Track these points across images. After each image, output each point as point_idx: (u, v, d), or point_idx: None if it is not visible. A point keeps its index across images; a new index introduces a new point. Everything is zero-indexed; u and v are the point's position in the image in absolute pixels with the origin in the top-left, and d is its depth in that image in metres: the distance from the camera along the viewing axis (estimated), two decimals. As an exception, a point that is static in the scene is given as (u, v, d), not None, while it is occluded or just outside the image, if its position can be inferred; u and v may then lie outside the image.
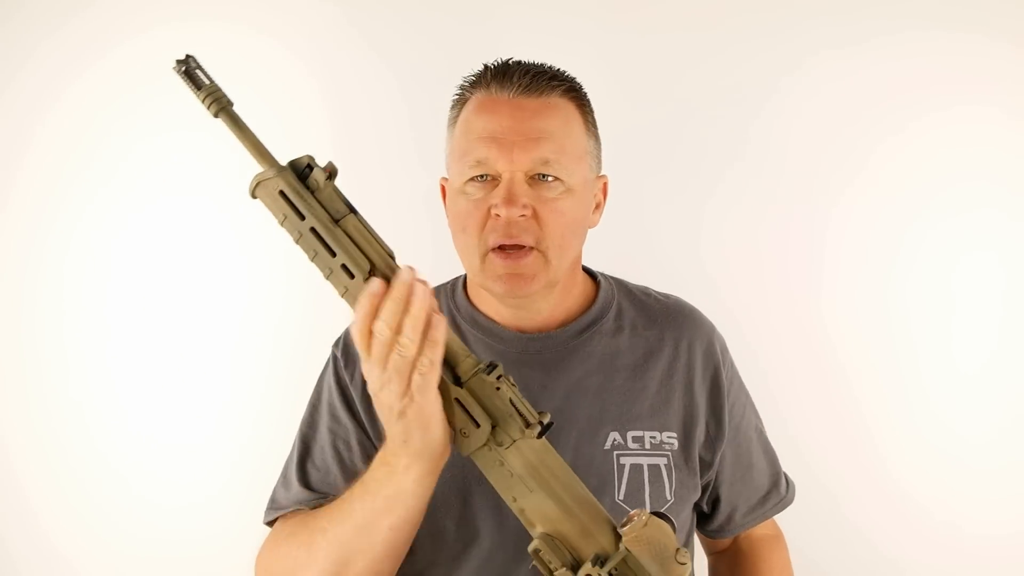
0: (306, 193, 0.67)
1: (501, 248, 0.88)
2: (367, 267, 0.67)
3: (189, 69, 0.67)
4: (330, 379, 1.00)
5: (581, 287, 1.02)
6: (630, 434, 0.95)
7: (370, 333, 0.66)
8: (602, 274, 1.06)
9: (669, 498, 0.94)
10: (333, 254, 0.67)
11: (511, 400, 0.67)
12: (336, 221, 0.67)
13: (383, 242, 0.69)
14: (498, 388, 0.67)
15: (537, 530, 0.69)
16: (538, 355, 0.97)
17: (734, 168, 1.40)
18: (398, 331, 0.65)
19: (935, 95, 1.36)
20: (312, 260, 0.68)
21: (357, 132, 1.40)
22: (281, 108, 1.32)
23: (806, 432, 1.38)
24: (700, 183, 1.41)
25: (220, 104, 0.68)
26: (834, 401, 1.43)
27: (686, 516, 1.00)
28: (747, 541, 1.11)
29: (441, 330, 0.67)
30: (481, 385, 0.67)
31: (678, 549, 0.69)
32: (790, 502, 1.10)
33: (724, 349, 1.05)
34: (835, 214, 1.40)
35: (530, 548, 0.69)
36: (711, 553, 1.17)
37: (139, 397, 1.44)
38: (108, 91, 1.38)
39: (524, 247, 0.88)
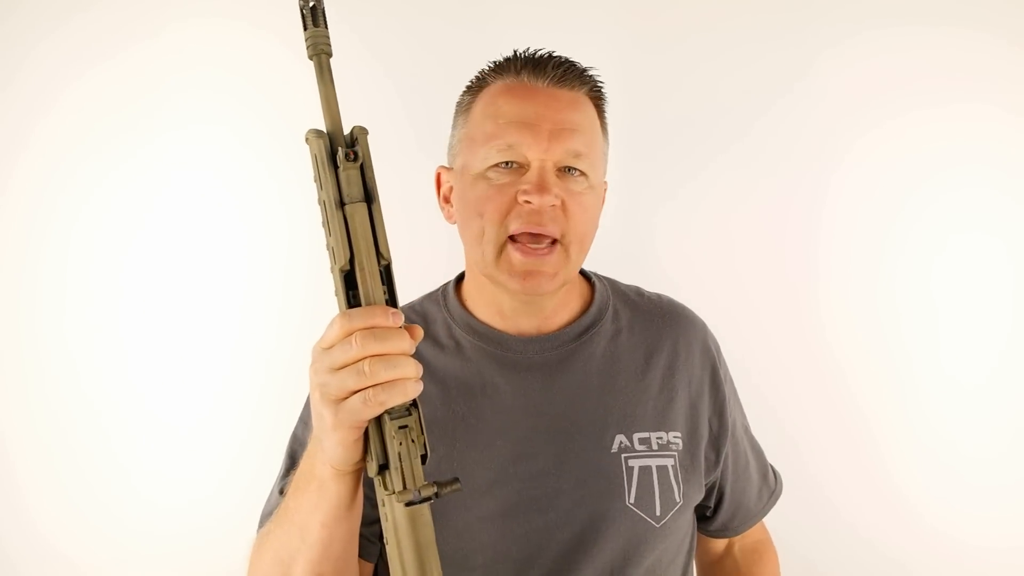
0: (329, 167, 0.65)
1: (519, 241, 0.85)
2: (345, 260, 0.64)
3: (314, 7, 0.67)
4: None
5: (579, 287, 1.00)
6: (636, 436, 0.93)
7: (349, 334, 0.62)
8: (595, 274, 1.05)
9: (679, 500, 0.92)
10: (329, 232, 0.66)
11: (399, 455, 0.64)
12: (343, 204, 0.65)
13: (383, 245, 0.66)
14: (394, 432, 0.64)
15: None
16: (538, 357, 0.94)
17: (728, 170, 1.42)
18: (373, 358, 0.61)
19: (936, 92, 1.39)
20: (323, 225, 0.67)
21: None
22: (283, 105, 1.34)
23: (807, 433, 1.39)
24: (693, 184, 1.42)
25: (316, 49, 0.67)
26: (833, 402, 1.44)
27: (688, 518, 0.98)
28: (740, 552, 1.11)
29: (416, 391, 0.64)
30: (385, 424, 0.64)
31: None
32: (780, 494, 1.11)
33: (718, 347, 1.05)
34: (830, 213, 1.43)
35: None
36: (703, 562, 1.15)
37: (138, 395, 1.44)
38: (108, 90, 1.37)
39: (546, 240, 0.85)
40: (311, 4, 0.67)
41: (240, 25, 1.36)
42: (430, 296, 1.04)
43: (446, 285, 1.04)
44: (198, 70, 1.37)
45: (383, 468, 0.65)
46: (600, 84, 0.93)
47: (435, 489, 0.64)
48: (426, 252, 1.29)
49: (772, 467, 1.12)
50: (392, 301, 0.66)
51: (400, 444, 0.64)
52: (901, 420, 1.44)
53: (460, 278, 1.02)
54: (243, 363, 1.43)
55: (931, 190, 1.41)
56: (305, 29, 0.67)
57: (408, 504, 0.64)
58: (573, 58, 0.93)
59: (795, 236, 1.43)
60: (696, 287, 1.27)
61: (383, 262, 0.66)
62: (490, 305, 0.96)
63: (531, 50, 0.91)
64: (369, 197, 0.66)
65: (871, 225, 1.43)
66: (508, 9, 1.38)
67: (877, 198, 1.42)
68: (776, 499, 1.11)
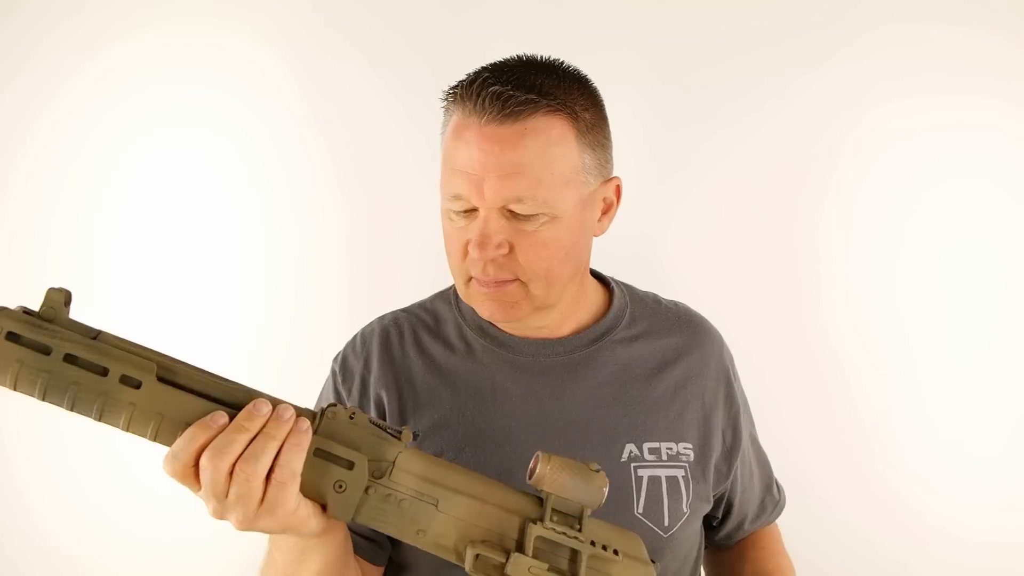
0: (42, 322, 0.57)
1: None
2: (153, 366, 0.58)
3: None
4: (328, 396, 0.97)
5: (591, 294, 0.99)
6: (646, 445, 0.91)
7: (195, 465, 0.58)
8: (614, 280, 1.03)
9: (685, 511, 0.91)
10: (104, 372, 0.57)
11: (371, 421, 0.62)
12: (95, 338, 0.58)
13: (149, 350, 0.60)
14: (351, 417, 0.62)
15: (458, 549, 0.65)
16: (551, 361, 0.93)
17: (728, 171, 1.40)
18: (238, 464, 0.58)
19: (935, 88, 1.38)
20: (72, 405, 0.56)
21: (354, 130, 1.40)
22: (277, 102, 1.35)
23: (805, 431, 1.39)
24: (694, 186, 1.41)
25: None
26: (830, 402, 1.43)
27: (696, 529, 0.97)
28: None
29: (309, 435, 0.60)
30: (333, 425, 0.61)
31: (586, 463, 0.68)
32: (784, 506, 1.11)
33: (732, 358, 1.04)
34: (832, 216, 1.41)
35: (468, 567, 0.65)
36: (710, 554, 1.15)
37: None
38: (106, 89, 1.37)
39: (503, 280, 0.85)
40: None
41: (228, 24, 1.38)
42: (441, 295, 1.03)
43: None
44: (192, 62, 1.39)
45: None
46: (565, 87, 0.84)
47: (406, 427, 0.65)
48: (418, 254, 1.31)
49: (776, 480, 1.11)
50: (215, 378, 0.61)
51: (360, 416, 0.62)
52: (900, 419, 1.44)
53: None
54: (242, 357, 1.43)
55: (933, 185, 1.40)
56: None
57: (415, 438, 0.66)
58: (550, 52, 0.88)
59: (789, 230, 1.42)
60: (697, 282, 1.30)
61: (166, 360, 0.60)
62: None
63: (477, 73, 0.85)
64: (91, 331, 0.59)
65: (868, 221, 1.42)
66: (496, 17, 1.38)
67: (875, 194, 1.41)
68: (780, 511, 1.10)
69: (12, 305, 0.57)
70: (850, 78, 1.38)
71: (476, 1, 1.38)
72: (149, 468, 1.43)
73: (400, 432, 0.64)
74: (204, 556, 1.42)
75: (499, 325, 0.95)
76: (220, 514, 0.61)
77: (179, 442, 0.58)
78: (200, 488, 0.60)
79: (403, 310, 1.01)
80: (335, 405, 0.63)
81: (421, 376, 0.93)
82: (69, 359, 0.57)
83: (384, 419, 0.92)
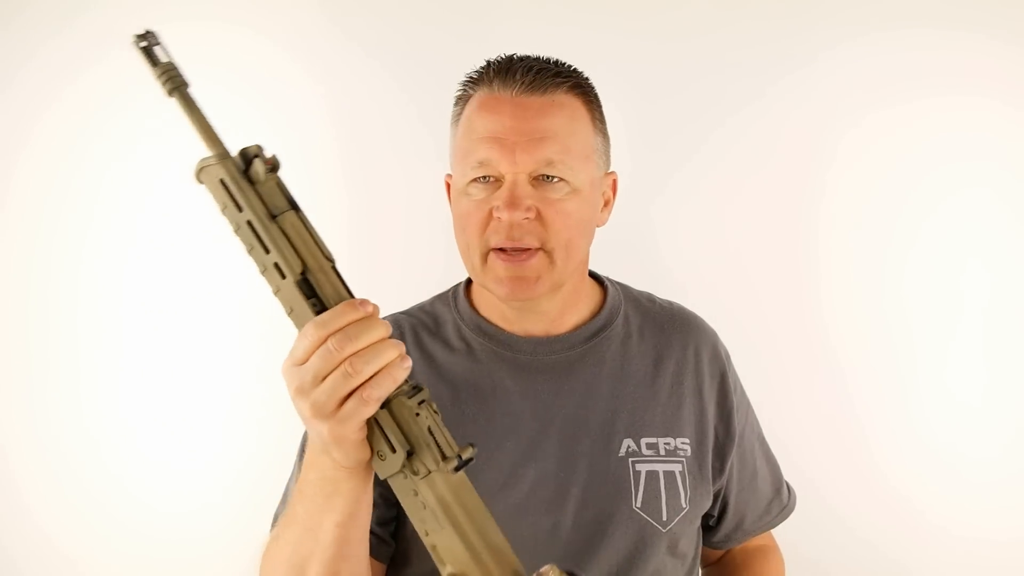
0: (245, 184, 0.63)
1: (503, 250, 0.86)
2: (299, 268, 0.63)
3: (148, 45, 0.64)
4: None
5: (588, 292, 1.00)
6: (644, 440, 0.93)
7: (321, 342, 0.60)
8: (608, 279, 1.05)
9: (684, 506, 0.93)
10: (267, 251, 0.63)
11: (429, 429, 0.63)
12: (274, 217, 0.63)
13: (324, 245, 0.65)
14: (417, 414, 0.63)
15: (447, 570, 0.65)
16: (549, 359, 0.94)
17: (729, 169, 1.41)
18: (355, 355, 0.59)
19: (937, 87, 1.38)
20: (249, 253, 0.64)
21: (360, 132, 1.41)
22: (284, 106, 1.37)
23: (801, 432, 1.39)
24: (695, 185, 1.41)
25: (175, 83, 0.63)
26: (831, 400, 1.44)
27: (696, 525, 0.98)
28: (741, 552, 1.10)
29: (406, 371, 0.62)
30: (401, 408, 0.63)
31: None
32: (791, 511, 1.11)
33: (727, 355, 1.05)
34: (832, 214, 1.42)
35: None
36: (703, 565, 1.14)
37: (142, 403, 1.43)
38: (106, 91, 1.37)
39: (528, 249, 0.86)
40: (148, 40, 0.64)
41: (237, 29, 1.39)
42: (440, 297, 1.04)
43: (456, 286, 1.04)
44: (195, 62, 1.39)
45: (410, 454, 0.63)
46: (581, 77, 0.91)
47: (472, 451, 0.65)
48: (424, 253, 1.32)
49: (788, 484, 1.11)
50: (351, 296, 0.65)
51: (427, 418, 0.63)
52: (900, 418, 1.44)
53: (470, 280, 1.01)
54: (248, 373, 1.42)
55: (938, 186, 1.40)
56: (155, 66, 0.63)
57: (457, 470, 0.63)
58: (555, 55, 0.92)
59: (793, 228, 1.42)
60: (695, 281, 1.30)
61: (330, 262, 0.65)
62: (496, 308, 0.96)
63: (503, 57, 0.90)
64: (295, 204, 0.65)
65: (871, 220, 1.42)
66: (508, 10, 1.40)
67: (878, 195, 1.41)
68: (787, 515, 1.10)
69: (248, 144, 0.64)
70: (854, 77, 1.39)
71: (479, 2, 1.39)
72: (149, 467, 1.44)
73: (445, 455, 0.63)
74: (205, 555, 1.42)
75: (501, 323, 0.95)
76: (303, 395, 0.61)
77: (329, 313, 0.60)
78: (302, 362, 0.61)
79: (404, 312, 1.03)
80: (421, 389, 0.64)
81: (422, 376, 0.94)
82: (250, 225, 0.63)
83: None
